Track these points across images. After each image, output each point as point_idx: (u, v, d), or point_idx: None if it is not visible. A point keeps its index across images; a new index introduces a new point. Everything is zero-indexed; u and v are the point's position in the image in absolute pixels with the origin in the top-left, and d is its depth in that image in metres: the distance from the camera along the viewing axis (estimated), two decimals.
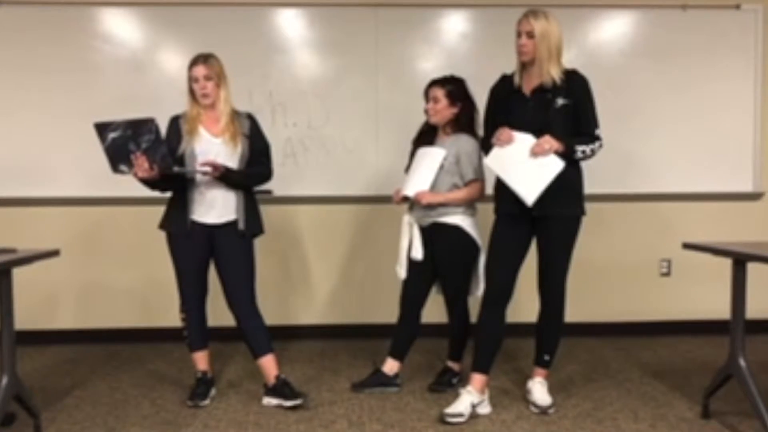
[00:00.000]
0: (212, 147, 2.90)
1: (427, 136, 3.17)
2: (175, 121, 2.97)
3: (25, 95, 3.97)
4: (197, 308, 3.05)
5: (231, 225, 2.95)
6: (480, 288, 3.08)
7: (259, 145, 3.02)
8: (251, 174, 2.99)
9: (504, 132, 2.74)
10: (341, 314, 4.24)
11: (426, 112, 3.12)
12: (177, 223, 2.94)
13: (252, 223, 3.00)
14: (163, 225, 3.00)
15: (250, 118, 3.05)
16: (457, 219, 3.05)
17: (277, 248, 4.11)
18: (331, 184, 4.10)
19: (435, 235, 3.08)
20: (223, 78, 2.94)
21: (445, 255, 3.06)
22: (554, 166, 2.66)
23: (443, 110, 3.07)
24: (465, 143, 3.04)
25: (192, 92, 2.94)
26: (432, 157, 3.06)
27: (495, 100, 2.95)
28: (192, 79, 2.91)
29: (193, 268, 2.98)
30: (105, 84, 3.99)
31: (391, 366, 3.21)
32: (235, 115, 2.98)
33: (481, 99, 3.03)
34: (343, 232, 4.21)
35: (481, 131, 3.05)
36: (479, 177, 3.06)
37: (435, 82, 3.11)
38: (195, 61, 2.90)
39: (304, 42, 4.07)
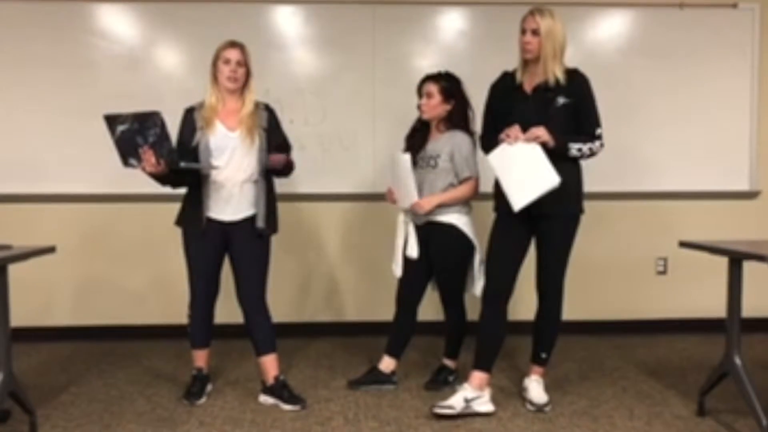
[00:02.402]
0: (229, 142, 2.85)
1: (419, 133, 3.15)
2: (189, 113, 2.92)
3: (22, 92, 3.96)
4: (205, 306, 3.01)
5: (247, 221, 2.91)
6: (476, 286, 3.08)
7: (277, 140, 2.97)
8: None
9: (514, 129, 2.73)
10: (337, 312, 4.24)
11: (419, 108, 3.11)
12: (192, 220, 2.89)
13: (270, 221, 2.95)
14: (180, 221, 2.95)
15: (269, 109, 3.00)
16: (452, 218, 3.05)
17: (273, 246, 4.10)
18: (327, 182, 4.10)
19: (430, 233, 3.07)
20: (251, 69, 2.92)
21: (440, 253, 3.06)
22: (550, 180, 2.65)
23: (437, 106, 3.05)
24: (459, 141, 3.03)
25: (215, 78, 2.89)
26: (402, 165, 3.02)
27: (495, 97, 2.94)
28: (223, 60, 2.85)
29: (206, 266, 2.94)
30: (102, 81, 3.97)
31: (387, 364, 3.21)
32: (255, 106, 2.93)
33: (478, 97, 3.02)
34: (340, 230, 4.20)
35: (476, 128, 3.05)
36: (474, 174, 3.04)
37: (429, 78, 3.09)
38: (231, 44, 2.87)
39: (301, 39, 4.07)
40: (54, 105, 3.96)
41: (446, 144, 3.03)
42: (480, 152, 3.02)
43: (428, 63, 3.94)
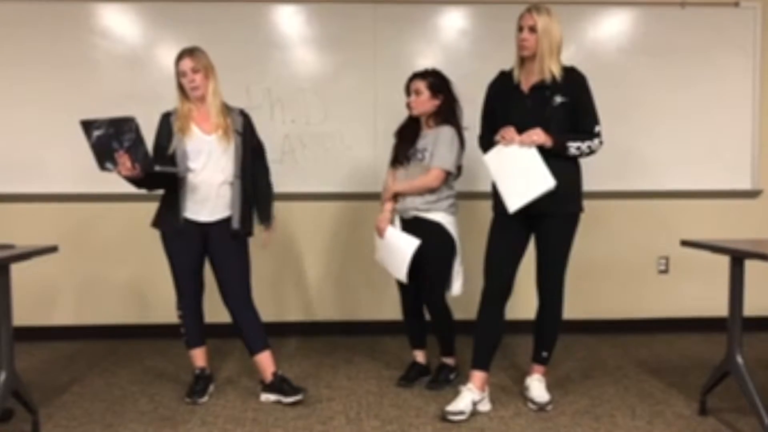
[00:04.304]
0: (204, 145, 2.89)
1: (409, 129, 3.17)
2: (166, 118, 2.96)
3: (22, 91, 3.96)
4: (193, 305, 3.04)
5: (224, 222, 2.93)
6: (455, 287, 3.12)
7: (252, 144, 3.01)
8: (270, 199, 3.07)
9: (509, 131, 2.73)
10: (339, 311, 4.24)
11: (408, 105, 3.13)
12: (169, 221, 2.93)
13: (246, 222, 2.98)
14: (156, 223, 2.99)
15: (243, 114, 3.03)
16: (439, 216, 3.06)
17: (275, 245, 4.10)
18: (329, 181, 4.10)
19: (416, 228, 3.07)
20: (211, 70, 2.92)
21: (423, 249, 3.03)
22: (545, 183, 2.65)
23: (426, 102, 3.08)
24: (442, 134, 3.05)
25: (181, 88, 2.92)
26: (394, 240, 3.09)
27: (493, 96, 2.95)
28: (180, 74, 2.90)
29: (188, 266, 2.97)
30: (102, 80, 3.98)
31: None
32: (226, 109, 2.96)
33: (478, 96, 3.02)
34: (341, 229, 4.20)
35: (464, 124, 3.09)
36: (444, 166, 3.02)
37: (416, 75, 3.12)
38: (181, 56, 2.90)
39: (303, 38, 4.07)
40: (54, 104, 3.95)
41: (433, 138, 3.06)
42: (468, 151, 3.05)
43: (429, 62, 3.90)
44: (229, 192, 2.94)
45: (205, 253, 3.00)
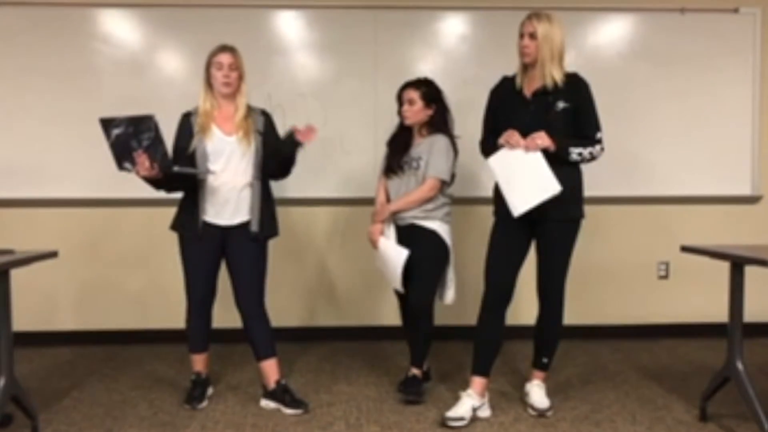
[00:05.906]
0: (225, 146, 2.86)
1: (401, 138, 3.17)
2: (186, 118, 2.93)
3: (25, 96, 3.97)
4: (202, 310, 3.01)
5: (244, 226, 2.91)
6: (448, 296, 3.11)
7: (273, 143, 2.97)
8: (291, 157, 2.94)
9: (513, 135, 2.74)
10: (338, 316, 4.24)
11: (400, 114, 3.13)
12: (188, 225, 2.90)
13: (266, 225, 2.95)
14: (175, 226, 2.96)
15: (265, 114, 3.01)
16: (435, 224, 3.06)
17: (274, 250, 4.09)
18: (328, 186, 4.11)
19: (411, 236, 3.07)
20: (243, 73, 2.93)
21: (417, 257, 3.02)
22: (551, 188, 2.66)
23: (419, 112, 3.08)
24: (438, 143, 3.05)
25: (209, 83, 2.90)
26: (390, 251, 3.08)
27: (495, 101, 2.95)
28: (215, 65, 2.86)
29: (202, 270, 2.94)
30: (104, 85, 3.99)
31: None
32: (249, 110, 2.94)
33: (479, 101, 3.02)
34: (340, 234, 4.21)
35: (457, 132, 3.11)
36: (439, 175, 3.03)
37: (409, 85, 3.12)
38: (222, 49, 2.88)
39: (303, 44, 4.08)
40: (57, 110, 3.96)
41: (428, 147, 3.06)
42: (463, 156, 3.07)
43: (429, 68, 3.95)
44: (249, 194, 2.91)
45: (222, 257, 2.97)
